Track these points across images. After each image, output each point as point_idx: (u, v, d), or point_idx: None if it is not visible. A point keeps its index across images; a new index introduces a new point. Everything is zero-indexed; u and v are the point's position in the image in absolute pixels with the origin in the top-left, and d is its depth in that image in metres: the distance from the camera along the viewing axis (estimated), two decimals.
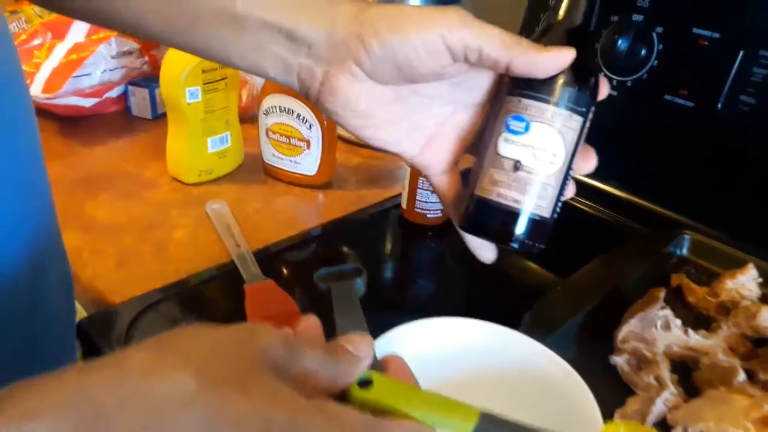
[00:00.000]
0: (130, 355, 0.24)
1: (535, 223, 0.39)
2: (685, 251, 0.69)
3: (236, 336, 0.28)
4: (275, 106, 0.74)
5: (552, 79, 0.37)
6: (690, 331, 0.55)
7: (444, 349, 0.47)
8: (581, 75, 0.37)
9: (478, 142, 0.40)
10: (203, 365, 0.24)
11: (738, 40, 0.69)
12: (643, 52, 0.75)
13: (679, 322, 0.55)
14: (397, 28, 0.35)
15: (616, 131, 0.79)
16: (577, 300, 0.58)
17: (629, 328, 0.55)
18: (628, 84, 0.76)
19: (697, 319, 0.60)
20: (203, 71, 0.73)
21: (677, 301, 0.62)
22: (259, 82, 0.87)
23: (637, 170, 0.79)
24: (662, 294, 0.57)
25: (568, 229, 0.76)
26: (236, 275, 0.61)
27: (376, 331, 0.44)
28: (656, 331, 0.55)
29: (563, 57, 0.36)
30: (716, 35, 0.70)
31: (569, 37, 0.38)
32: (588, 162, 0.41)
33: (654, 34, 0.74)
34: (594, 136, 0.71)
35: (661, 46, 0.74)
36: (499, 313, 0.48)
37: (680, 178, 0.75)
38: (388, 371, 0.34)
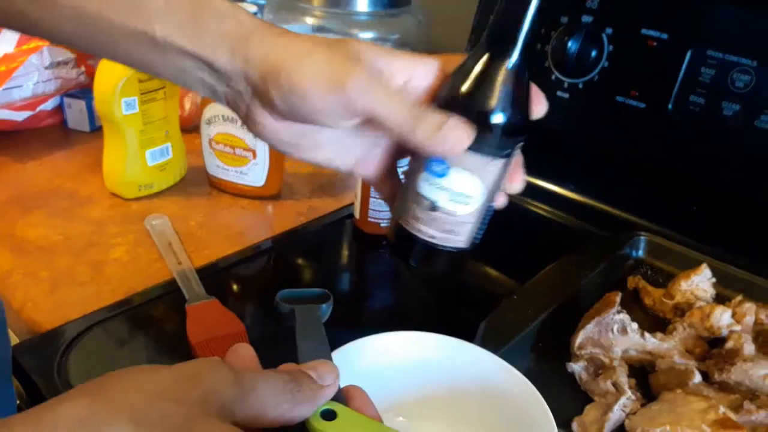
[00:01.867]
0: (58, 407, 0.22)
1: (452, 254, 0.41)
2: (641, 253, 0.68)
3: (177, 379, 0.25)
4: (218, 115, 0.71)
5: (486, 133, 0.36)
6: (647, 334, 0.54)
7: (399, 363, 0.46)
8: (503, 121, 0.37)
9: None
10: (141, 417, 0.23)
11: (686, 40, 0.69)
12: (594, 53, 0.75)
13: (635, 326, 0.54)
14: (297, 85, 0.35)
15: (569, 134, 0.78)
16: (533, 308, 0.56)
17: (586, 333, 0.54)
18: (580, 86, 0.76)
19: (653, 322, 0.59)
20: (140, 81, 0.69)
21: (634, 304, 0.62)
22: None
23: (591, 173, 0.78)
24: (618, 298, 0.56)
25: (524, 233, 0.76)
26: (179, 295, 0.58)
27: (331, 345, 0.42)
28: (613, 335, 0.54)
29: (460, 144, 0.35)
30: (664, 36, 0.70)
31: (479, 98, 0.36)
32: (516, 183, 0.41)
33: (604, 35, 0.74)
34: (547, 140, 0.70)
35: (611, 47, 0.74)
36: (456, 323, 0.47)
37: (634, 179, 0.75)
38: (351, 403, 0.32)
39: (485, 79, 0.36)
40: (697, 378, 0.50)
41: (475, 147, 0.36)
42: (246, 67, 0.37)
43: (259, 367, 0.32)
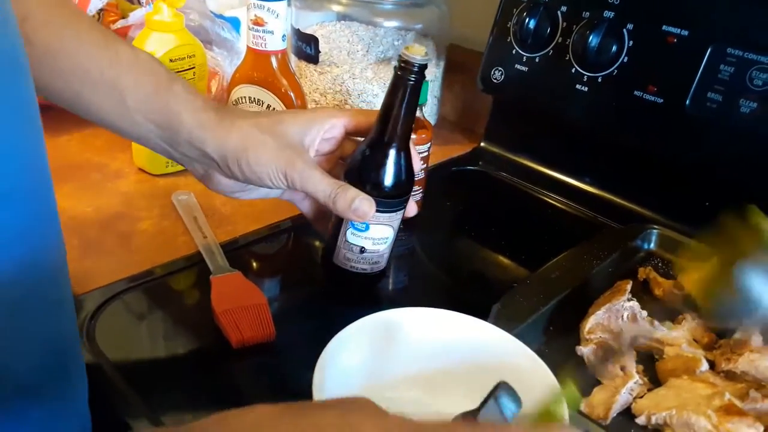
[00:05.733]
0: None
1: (379, 273, 0.59)
2: (652, 246, 0.69)
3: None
4: (244, 97, 0.73)
5: (379, 200, 0.52)
6: (656, 322, 0.55)
7: (416, 338, 0.47)
8: (399, 189, 0.54)
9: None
10: None
11: (706, 37, 0.70)
12: (614, 48, 0.75)
13: (645, 313, 0.56)
14: (254, 170, 0.50)
15: (586, 127, 0.80)
16: (545, 292, 0.58)
17: (596, 319, 0.55)
18: (599, 80, 0.77)
19: (663, 312, 0.60)
20: (171, 60, 0.71)
21: (644, 295, 0.63)
22: (229, 72, 0.86)
23: (607, 166, 0.79)
24: (629, 286, 0.57)
25: (538, 224, 0.77)
26: (203, 267, 0.60)
27: (342, 323, 0.44)
28: (622, 322, 0.55)
29: (368, 214, 0.51)
30: (685, 32, 0.71)
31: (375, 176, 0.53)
32: (411, 212, 0.58)
33: (624, 31, 0.75)
34: (564, 133, 0.75)
35: (631, 43, 0.75)
36: (469, 306, 0.48)
37: (649, 174, 0.76)
38: None
39: (380, 162, 0.53)
40: (704, 366, 0.52)
41: (382, 209, 0.53)
42: (204, 150, 0.50)
43: None
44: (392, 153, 0.53)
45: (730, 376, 0.51)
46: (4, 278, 0.33)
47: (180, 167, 0.76)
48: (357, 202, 0.50)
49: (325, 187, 0.51)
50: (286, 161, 0.50)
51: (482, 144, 0.88)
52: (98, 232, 0.65)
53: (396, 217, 0.55)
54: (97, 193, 0.71)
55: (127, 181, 0.74)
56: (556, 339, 0.56)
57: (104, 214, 0.68)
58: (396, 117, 0.52)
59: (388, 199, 0.54)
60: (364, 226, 0.54)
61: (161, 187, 0.73)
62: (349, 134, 0.56)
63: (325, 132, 0.54)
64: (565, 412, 0.36)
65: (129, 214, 0.68)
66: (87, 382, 0.44)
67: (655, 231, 0.69)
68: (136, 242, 0.64)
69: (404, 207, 0.56)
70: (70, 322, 0.42)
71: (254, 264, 0.65)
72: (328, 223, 0.57)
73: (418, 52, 0.51)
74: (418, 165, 0.56)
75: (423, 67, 0.51)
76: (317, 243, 0.70)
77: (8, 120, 0.33)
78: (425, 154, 0.70)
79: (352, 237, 0.55)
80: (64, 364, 0.41)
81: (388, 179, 0.53)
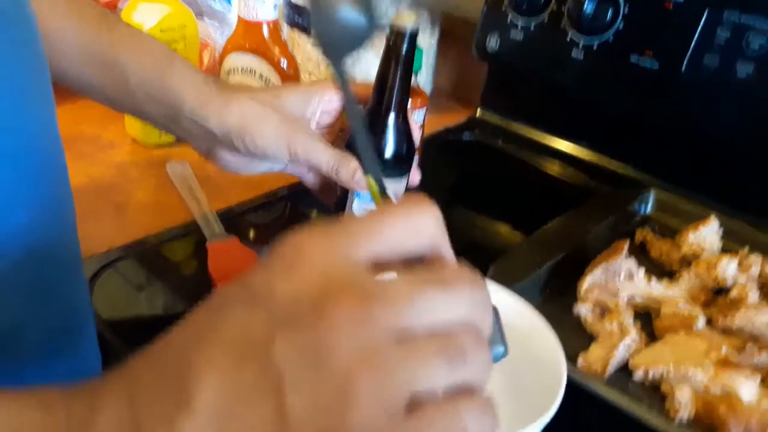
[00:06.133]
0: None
1: None
2: (649, 209, 0.69)
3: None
4: (236, 68, 0.73)
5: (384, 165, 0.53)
6: (653, 280, 0.56)
7: None
8: (401, 157, 0.54)
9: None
10: None
11: (702, 2, 0.69)
12: (609, 13, 0.75)
13: (642, 272, 0.56)
14: (258, 145, 0.50)
15: (582, 93, 0.79)
16: (542, 253, 0.58)
17: (593, 279, 0.55)
18: (594, 46, 0.76)
19: (660, 273, 0.60)
20: (161, 30, 0.71)
21: (641, 257, 0.63)
22: (220, 44, 0.85)
23: (603, 132, 0.79)
24: (626, 245, 0.57)
25: (535, 190, 0.77)
26: (199, 235, 0.60)
27: None
28: (619, 281, 0.55)
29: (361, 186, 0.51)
30: None
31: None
32: (415, 180, 0.57)
33: None
34: (560, 99, 0.75)
35: (627, 8, 0.74)
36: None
37: (646, 139, 0.76)
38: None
39: (379, 131, 0.52)
40: (701, 323, 0.52)
41: (393, 174, 0.54)
42: (207, 127, 0.50)
43: None
44: (390, 121, 0.53)
45: (727, 331, 0.51)
46: (19, 239, 0.34)
47: (173, 138, 0.76)
48: (360, 173, 0.50)
49: (328, 158, 0.50)
50: (289, 134, 0.50)
51: (478, 112, 0.88)
52: (92, 203, 0.65)
53: (400, 185, 0.55)
54: (90, 164, 0.71)
55: (120, 152, 0.74)
56: (552, 299, 0.56)
57: (98, 185, 0.67)
58: (391, 86, 0.51)
59: (391, 167, 0.54)
60: (368, 196, 0.54)
61: (155, 158, 0.73)
62: None
63: (324, 104, 0.54)
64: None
65: (123, 184, 0.68)
66: (97, 340, 0.45)
67: (652, 194, 0.69)
68: (130, 212, 0.64)
69: (407, 175, 0.56)
70: (82, 283, 0.43)
71: (251, 232, 0.65)
72: (334, 195, 0.57)
73: (408, 20, 0.50)
74: (417, 133, 0.56)
75: (414, 34, 0.50)
76: (315, 211, 0.70)
77: (26, 78, 0.34)
78: (420, 122, 0.69)
79: (358, 207, 0.55)
80: (78, 324, 0.42)
81: (389, 148, 0.53)
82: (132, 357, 0.22)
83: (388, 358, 0.19)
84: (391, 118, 0.53)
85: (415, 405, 0.19)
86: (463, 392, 0.20)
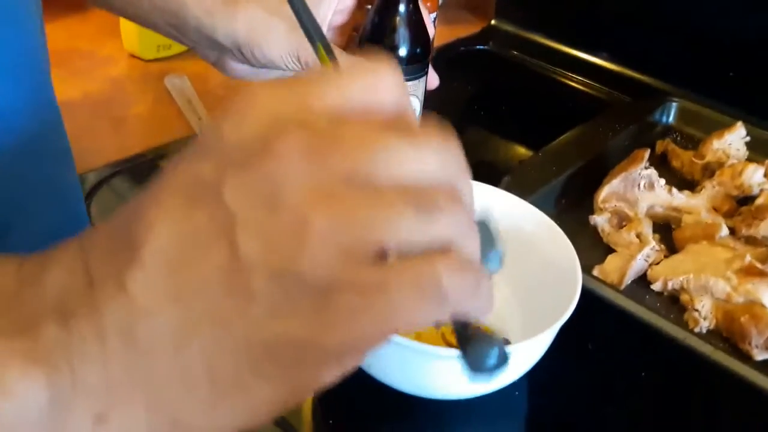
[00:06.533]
0: None
1: None
2: (671, 119, 0.66)
3: None
4: None
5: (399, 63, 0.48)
6: (674, 190, 0.53)
7: None
8: (416, 54, 0.50)
9: None
10: None
11: None
12: None
13: (663, 181, 0.53)
14: (266, 56, 0.46)
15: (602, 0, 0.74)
16: (557, 164, 0.55)
17: (611, 188, 0.53)
18: None
19: (681, 184, 0.58)
20: None
21: (662, 168, 0.60)
22: None
23: (625, 39, 0.74)
24: (647, 154, 0.54)
25: (552, 104, 0.73)
26: None
27: None
28: (639, 191, 0.53)
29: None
30: None
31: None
32: (433, 84, 0.53)
33: None
34: (580, 3, 0.68)
35: None
36: (477, 179, 0.46)
37: (668, 47, 0.71)
38: None
39: (392, 26, 0.49)
40: (724, 231, 0.49)
41: (404, 76, 0.46)
42: (214, 38, 0.46)
43: None
44: (402, 14, 0.50)
45: (751, 241, 0.49)
46: (13, 128, 0.34)
47: (172, 51, 0.73)
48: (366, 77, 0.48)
49: (342, 62, 0.48)
50: (299, 44, 0.47)
51: (493, 22, 0.83)
52: (89, 118, 0.62)
53: (419, 86, 0.52)
54: (87, 79, 0.68)
55: (117, 67, 0.71)
56: (568, 210, 0.53)
57: (95, 100, 0.65)
58: None
59: (407, 65, 0.51)
60: None
61: (153, 72, 0.70)
62: (362, 2, 0.53)
63: (337, 3, 0.51)
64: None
65: (121, 98, 0.65)
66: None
67: (674, 103, 0.66)
68: (129, 126, 0.62)
69: (425, 73, 0.53)
70: (72, 171, 0.44)
71: None
72: None
73: None
74: (431, 27, 0.53)
75: None
76: None
77: None
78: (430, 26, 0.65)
79: None
80: (72, 213, 0.42)
81: (404, 43, 0.51)
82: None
83: (347, 198, 0.17)
84: (403, 9, 0.50)
85: (382, 258, 0.17)
86: (440, 250, 0.18)
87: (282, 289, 0.17)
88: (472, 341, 0.20)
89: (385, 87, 0.19)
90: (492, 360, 0.20)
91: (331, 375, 0.18)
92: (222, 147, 0.18)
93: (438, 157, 0.18)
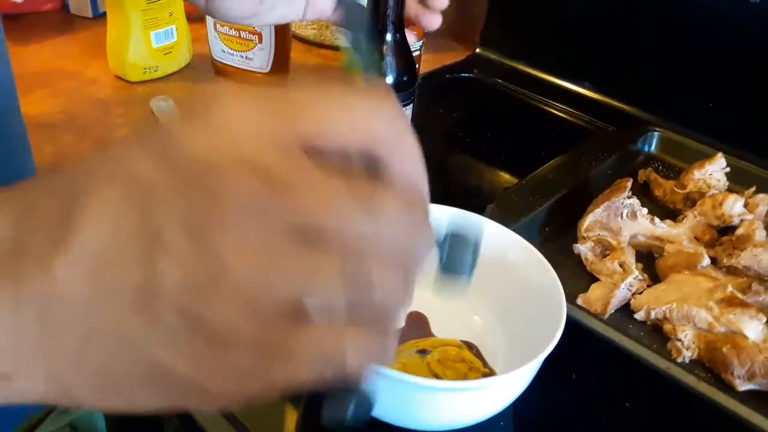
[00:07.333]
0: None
1: None
2: (653, 148, 0.67)
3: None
4: None
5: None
6: (656, 219, 0.54)
7: None
8: (402, 83, 0.52)
9: None
10: None
11: None
12: None
13: (645, 211, 0.54)
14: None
15: (583, 30, 0.76)
16: (541, 193, 0.55)
17: (594, 217, 0.53)
18: None
19: (663, 213, 0.58)
20: None
21: (644, 197, 0.61)
22: None
23: (607, 69, 0.76)
24: (629, 183, 0.55)
25: (535, 132, 0.74)
26: None
27: None
28: (622, 220, 0.53)
29: None
30: None
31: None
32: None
33: None
34: (563, 34, 0.70)
35: None
36: (463, 208, 0.46)
37: (650, 77, 0.73)
38: None
39: (381, 58, 0.50)
40: (706, 261, 0.50)
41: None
42: None
43: None
44: (390, 43, 0.50)
45: (732, 271, 0.50)
46: None
47: (159, 74, 0.73)
48: None
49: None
50: (255, 10, 0.45)
51: (478, 50, 0.84)
52: (74, 139, 0.62)
53: (406, 113, 0.54)
54: (71, 101, 0.68)
55: (103, 88, 0.70)
56: (552, 239, 0.54)
57: (80, 121, 0.64)
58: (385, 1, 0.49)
59: (395, 93, 0.52)
60: None
61: (139, 94, 0.69)
62: None
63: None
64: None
65: (106, 120, 0.65)
66: None
67: (656, 133, 0.66)
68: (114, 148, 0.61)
69: (412, 101, 0.54)
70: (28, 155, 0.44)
71: None
72: None
73: None
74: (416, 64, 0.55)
75: None
76: None
77: None
78: (417, 53, 0.66)
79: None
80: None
81: (391, 71, 0.51)
82: (41, 175, 0.20)
83: (278, 253, 0.17)
84: (389, 36, 0.50)
85: (299, 318, 0.17)
86: (362, 323, 0.17)
87: (185, 325, 0.17)
88: (332, 391, 0.19)
89: (365, 122, 0.19)
90: (349, 412, 0.19)
91: (217, 406, 0.19)
92: (174, 152, 0.18)
93: (397, 228, 0.18)
